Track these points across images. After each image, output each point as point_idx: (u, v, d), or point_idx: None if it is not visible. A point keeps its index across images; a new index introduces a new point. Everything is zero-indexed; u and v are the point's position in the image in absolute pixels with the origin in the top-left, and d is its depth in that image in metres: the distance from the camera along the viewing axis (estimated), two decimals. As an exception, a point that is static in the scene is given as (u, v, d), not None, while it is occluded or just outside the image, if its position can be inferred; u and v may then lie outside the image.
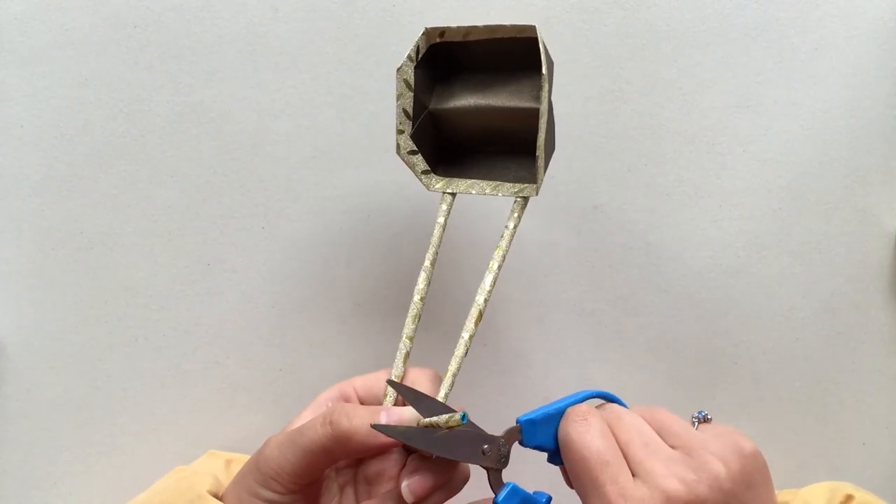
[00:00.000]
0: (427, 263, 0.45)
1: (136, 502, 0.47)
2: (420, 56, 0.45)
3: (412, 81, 0.45)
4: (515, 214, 0.44)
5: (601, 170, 0.53)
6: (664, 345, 0.54)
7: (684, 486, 0.35)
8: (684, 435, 0.37)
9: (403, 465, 0.41)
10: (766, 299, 0.54)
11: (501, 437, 0.39)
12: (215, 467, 0.49)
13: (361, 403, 0.45)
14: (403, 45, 0.52)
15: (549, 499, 0.39)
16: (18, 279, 0.52)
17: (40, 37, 0.51)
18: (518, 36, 0.44)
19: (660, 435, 0.38)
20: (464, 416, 0.36)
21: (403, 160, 0.46)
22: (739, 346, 0.54)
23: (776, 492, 0.39)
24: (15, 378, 0.52)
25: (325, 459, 0.39)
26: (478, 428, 0.39)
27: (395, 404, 0.43)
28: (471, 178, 0.47)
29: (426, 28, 0.45)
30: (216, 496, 0.43)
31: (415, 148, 0.46)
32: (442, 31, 0.45)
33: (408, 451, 0.42)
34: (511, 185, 0.46)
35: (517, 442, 0.39)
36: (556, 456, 0.39)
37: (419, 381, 0.43)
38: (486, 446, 0.38)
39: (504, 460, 0.39)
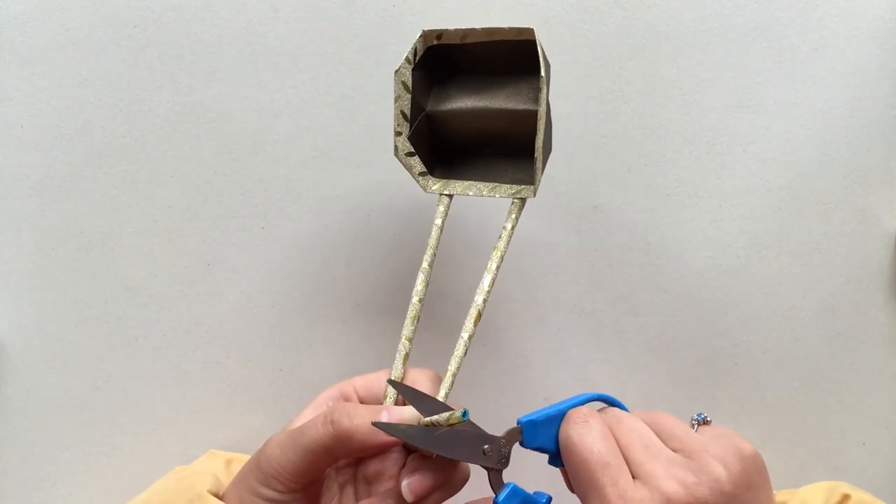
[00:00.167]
0: (425, 265, 0.45)
1: (136, 502, 0.47)
2: (418, 58, 0.45)
3: (410, 83, 0.46)
4: (513, 216, 0.44)
5: (601, 170, 0.53)
6: (664, 345, 0.54)
7: (684, 488, 0.35)
8: (685, 438, 0.37)
9: (403, 465, 0.41)
10: (766, 299, 0.54)
11: (502, 437, 0.39)
12: (215, 467, 0.49)
13: (362, 403, 0.45)
14: (403, 45, 0.52)
15: (550, 499, 0.39)
16: (18, 279, 0.52)
17: (40, 37, 0.51)
18: (516, 39, 0.44)
19: (660, 438, 0.38)
20: (465, 414, 0.36)
21: (401, 162, 0.46)
22: (739, 346, 0.54)
23: (774, 492, 0.39)
24: (15, 378, 0.52)
25: (326, 458, 0.40)
26: (478, 428, 0.39)
27: (396, 404, 0.43)
28: (468, 179, 0.47)
29: (424, 30, 0.45)
30: (216, 496, 0.43)
31: (412, 150, 0.46)
32: (439, 34, 0.45)
33: (408, 450, 0.42)
34: (508, 186, 0.46)
35: (518, 443, 0.39)
36: (556, 458, 0.39)
37: (419, 381, 0.43)
38: (486, 446, 0.38)
39: (505, 461, 0.39)
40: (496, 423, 0.40)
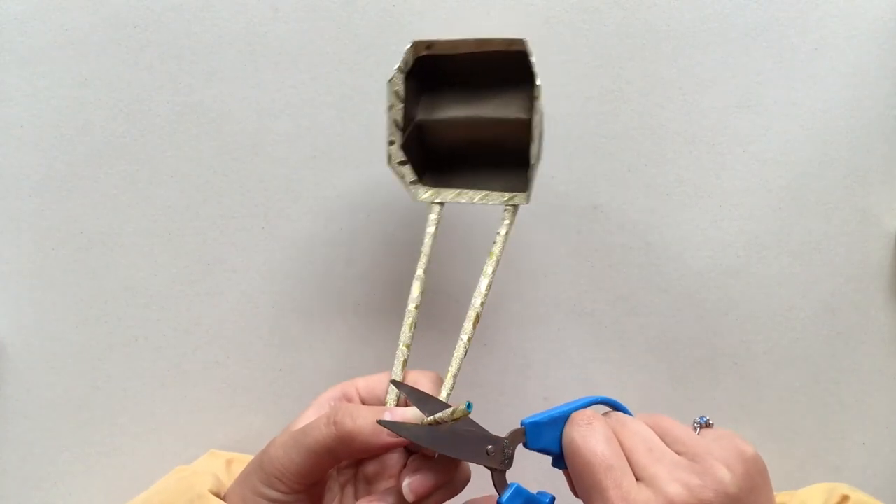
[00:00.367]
0: (420, 272, 0.45)
1: (136, 502, 0.47)
2: (409, 68, 0.45)
3: (402, 93, 0.46)
4: (507, 221, 0.45)
5: (601, 170, 0.53)
6: (664, 345, 0.54)
7: (688, 490, 0.35)
8: (688, 441, 0.37)
9: (404, 465, 0.41)
10: (766, 299, 0.54)
11: (506, 438, 0.39)
12: (216, 467, 0.49)
13: (364, 404, 0.45)
14: (403, 45, 0.51)
15: (553, 499, 0.39)
16: (18, 279, 0.52)
17: (40, 37, 0.51)
18: (507, 49, 0.44)
19: (664, 441, 0.38)
20: (469, 406, 0.36)
21: (393, 170, 0.46)
22: (739, 346, 0.54)
23: (774, 494, 0.39)
24: (15, 378, 0.52)
25: (329, 459, 0.40)
26: (482, 428, 0.39)
27: (398, 406, 0.43)
28: (459, 187, 0.48)
29: (414, 41, 0.45)
30: (217, 496, 0.43)
31: (404, 158, 0.46)
32: (429, 44, 0.45)
33: (409, 451, 0.42)
34: (500, 193, 0.47)
35: (521, 444, 0.39)
36: (559, 460, 0.39)
37: (420, 382, 0.43)
38: (490, 447, 0.39)
39: (508, 461, 0.39)
40: (496, 423, 0.40)
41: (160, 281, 0.52)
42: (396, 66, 0.45)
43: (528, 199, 0.45)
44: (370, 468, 0.42)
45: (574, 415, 0.39)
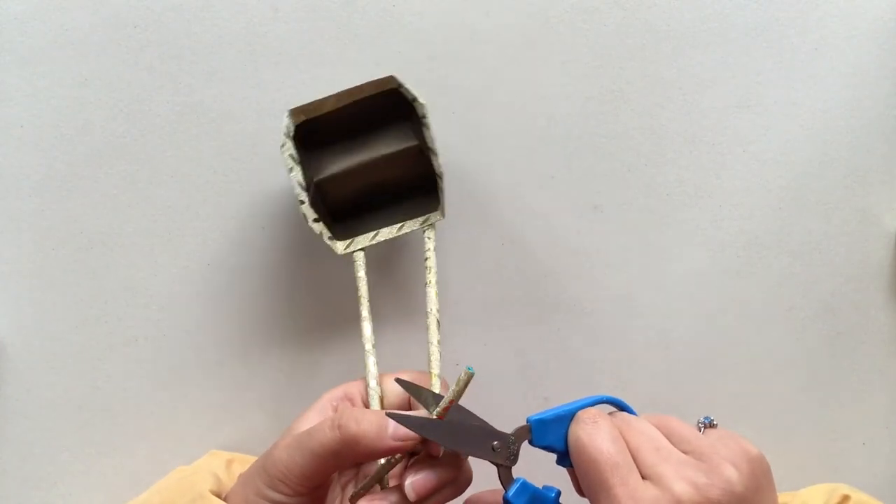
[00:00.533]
0: (364, 313, 0.47)
1: (137, 502, 0.47)
2: (292, 133, 0.47)
3: (297, 156, 0.47)
4: (430, 238, 0.48)
5: (601, 170, 0.53)
6: (664, 345, 0.54)
7: (696, 489, 0.35)
8: (694, 440, 0.37)
9: (407, 464, 0.41)
10: (766, 299, 0.54)
11: (511, 434, 0.39)
12: (216, 467, 0.49)
13: (365, 406, 0.45)
14: (403, 45, 0.52)
15: (559, 493, 0.39)
16: (18, 279, 0.52)
17: (40, 37, 0.51)
18: (379, 91, 0.47)
19: (669, 440, 0.38)
20: (470, 368, 0.38)
21: (312, 228, 0.47)
22: (739, 346, 0.54)
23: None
24: (15, 378, 0.52)
25: (333, 462, 0.40)
26: (487, 424, 0.40)
27: (399, 408, 0.44)
28: (374, 227, 0.49)
29: (290, 109, 0.46)
30: (218, 496, 0.43)
31: (317, 216, 0.47)
32: (305, 109, 0.47)
33: (412, 452, 0.42)
34: (414, 221, 0.49)
35: (527, 441, 0.39)
36: (564, 458, 0.39)
37: (415, 381, 0.44)
38: (495, 443, 0.39)
39: (514, 458, 0.39)
40: (496, 423, 0.40)
41: (160, 281, 0.52)
42: (283, 132, 0.46)
43: (443, 214, 0.47)
44: (372, 468, 0.42)
45: (580, 413, 0.39)
